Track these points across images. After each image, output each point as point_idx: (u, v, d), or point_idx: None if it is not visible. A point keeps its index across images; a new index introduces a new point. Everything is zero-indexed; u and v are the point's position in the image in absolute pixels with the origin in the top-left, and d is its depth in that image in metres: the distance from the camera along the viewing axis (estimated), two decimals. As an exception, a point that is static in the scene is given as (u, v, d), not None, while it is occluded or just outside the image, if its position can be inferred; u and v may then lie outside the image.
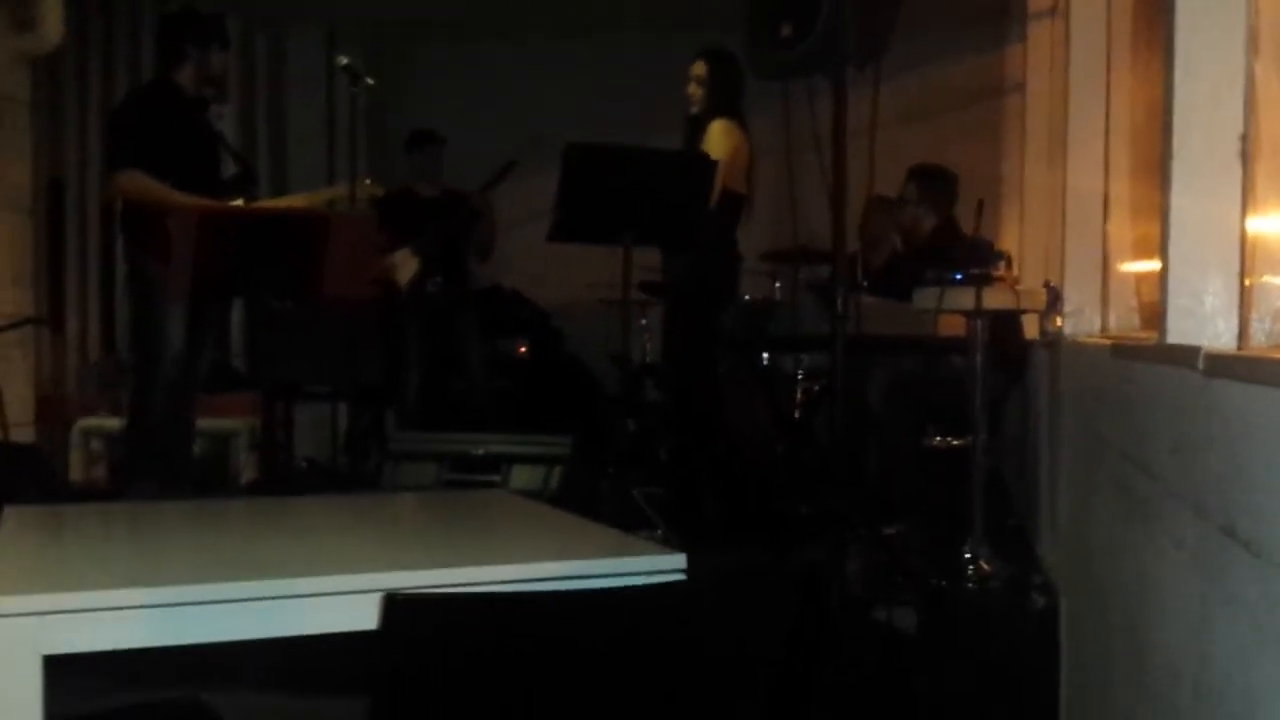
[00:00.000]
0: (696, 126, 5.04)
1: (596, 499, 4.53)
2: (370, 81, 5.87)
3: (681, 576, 1.67)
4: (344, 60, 5.62)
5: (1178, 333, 1.79)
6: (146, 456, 4.74)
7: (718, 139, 4.89)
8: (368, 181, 5.67)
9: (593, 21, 7.83)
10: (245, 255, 4.25)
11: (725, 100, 5.02)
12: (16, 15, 5.27)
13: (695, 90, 5.10)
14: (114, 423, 6.56)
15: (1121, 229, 3.11)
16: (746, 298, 5.74)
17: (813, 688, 1.49)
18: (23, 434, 5.15)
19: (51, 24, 5.33)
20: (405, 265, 6.28)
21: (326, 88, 7.70)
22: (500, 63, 8.24)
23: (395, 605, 1.16)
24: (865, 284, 5.44)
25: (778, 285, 6.14)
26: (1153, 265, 2.30)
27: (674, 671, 1.38)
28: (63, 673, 1.43)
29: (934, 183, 5.00)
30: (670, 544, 3.98)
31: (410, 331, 6.38)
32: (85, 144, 7.89)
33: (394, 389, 6.44)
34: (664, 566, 1.68)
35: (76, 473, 6.30)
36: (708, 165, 4.43)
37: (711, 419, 5.26)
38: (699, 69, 5.11)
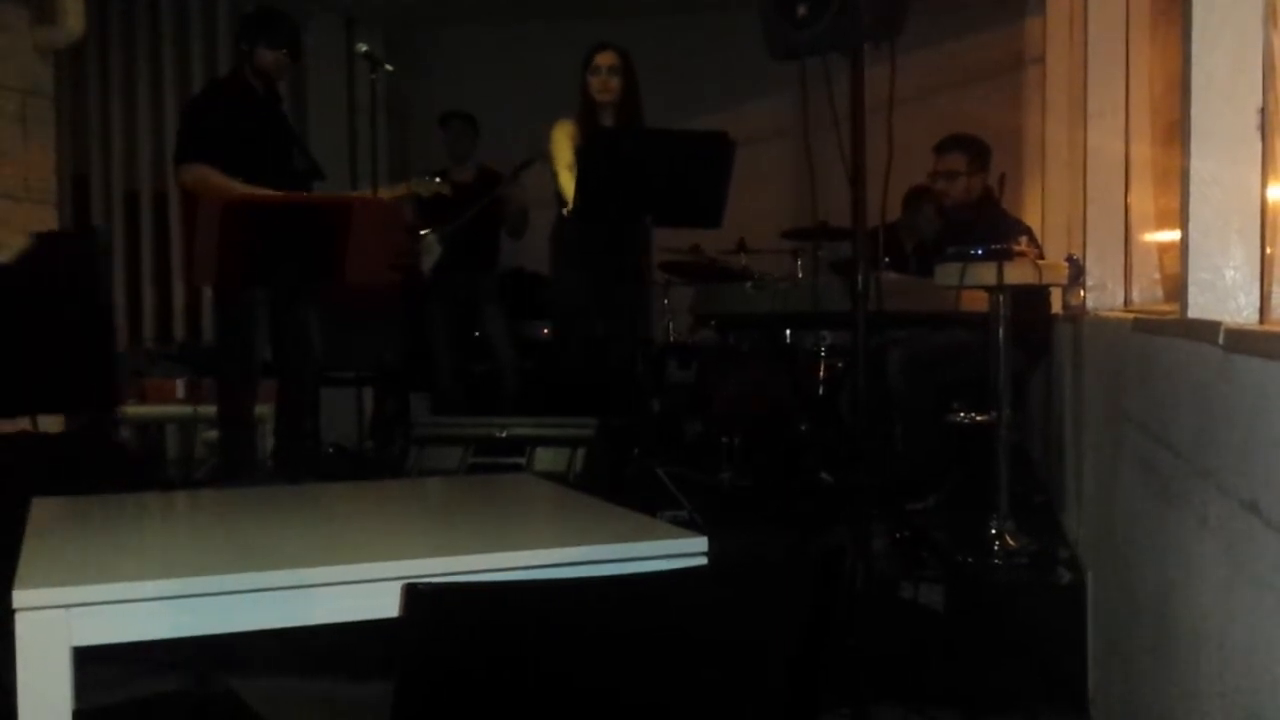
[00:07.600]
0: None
1: (621, 480, 4.53)
2: (389, 68, 5.89)
3: (703, 559, 1.68)
4: (363, 47, 5.63)
5: (1198, 307, 1.78)
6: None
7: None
8: (437, 180, 5.70)
9: (609, 2, 7.81)
10: (269, 242, 4.27)
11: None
12: (38, 8, 5.29)
13: (609, 81, 4.93)
14: (141, 410, 6.64)
15: (1143, 200, 3.09)
16: (765, 276, 5.73)
17: (832, 670, 1.49)
18: (51, 425, 5.18)
19: (73, 17, 5.35)
20: (430, 251, 6.31)
21: (347, 74, 7.71)
22: (520, 45, 8.24)
23: (415, 595, 1.17)
24: (887, 261, 5.42)
25: (799, 263, 6.13)
26: (1175, 236, 2.28)
27: (694, 655, 1.38)
28: (91, 661, 1.45)
29: (979, 151, 4.96)
30: (695, 523, 4.01)
31: (436, 316, 6.41)
32: (108, 137, 7.95)
33: (421, 373, 6.47)
34: (685, 550, 1.68)
35: (106, 462, 6.35)
36: (725, 144, 4.41)
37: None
38: (610, 59, 4.93)
